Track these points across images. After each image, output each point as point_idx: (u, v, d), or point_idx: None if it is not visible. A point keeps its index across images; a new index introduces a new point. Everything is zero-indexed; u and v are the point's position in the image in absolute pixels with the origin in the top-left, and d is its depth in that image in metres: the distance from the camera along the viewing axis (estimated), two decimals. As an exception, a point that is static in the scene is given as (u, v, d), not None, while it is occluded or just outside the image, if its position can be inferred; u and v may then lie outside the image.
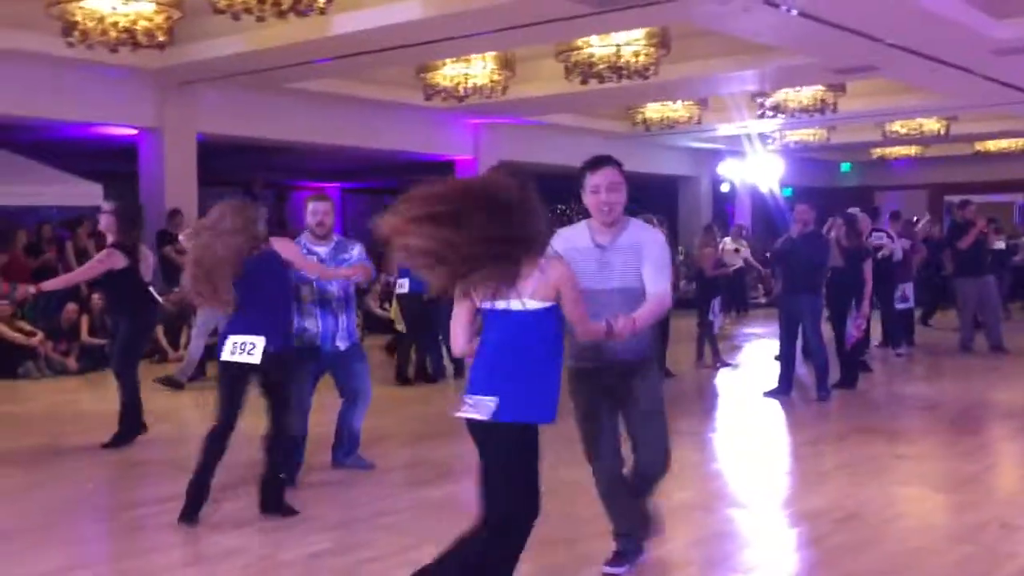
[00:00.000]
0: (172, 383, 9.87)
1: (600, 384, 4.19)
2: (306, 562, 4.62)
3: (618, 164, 4.17)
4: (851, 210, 11.16)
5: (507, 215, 3.26)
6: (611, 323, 3.66)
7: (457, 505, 5.75)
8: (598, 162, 4.14)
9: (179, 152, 13.18)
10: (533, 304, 3.37)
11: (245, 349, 5.18)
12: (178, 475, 6.40)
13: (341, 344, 6.08)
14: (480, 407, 3.35)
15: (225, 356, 5.24)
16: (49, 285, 7.41)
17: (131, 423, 7.28)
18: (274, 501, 5.36)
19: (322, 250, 6.08)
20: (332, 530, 5.16)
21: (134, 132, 13.30)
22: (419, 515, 5.45)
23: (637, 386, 4.19)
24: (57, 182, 12.98)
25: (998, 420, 8.32)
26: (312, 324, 5.97)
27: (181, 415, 8.92)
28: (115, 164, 14.49)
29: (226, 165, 16.22)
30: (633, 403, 4.20)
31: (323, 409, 6.37)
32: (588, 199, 4.11)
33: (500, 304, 3.40)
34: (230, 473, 6.31)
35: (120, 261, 7.16)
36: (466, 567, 3.42)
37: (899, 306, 12.10)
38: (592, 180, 4.09)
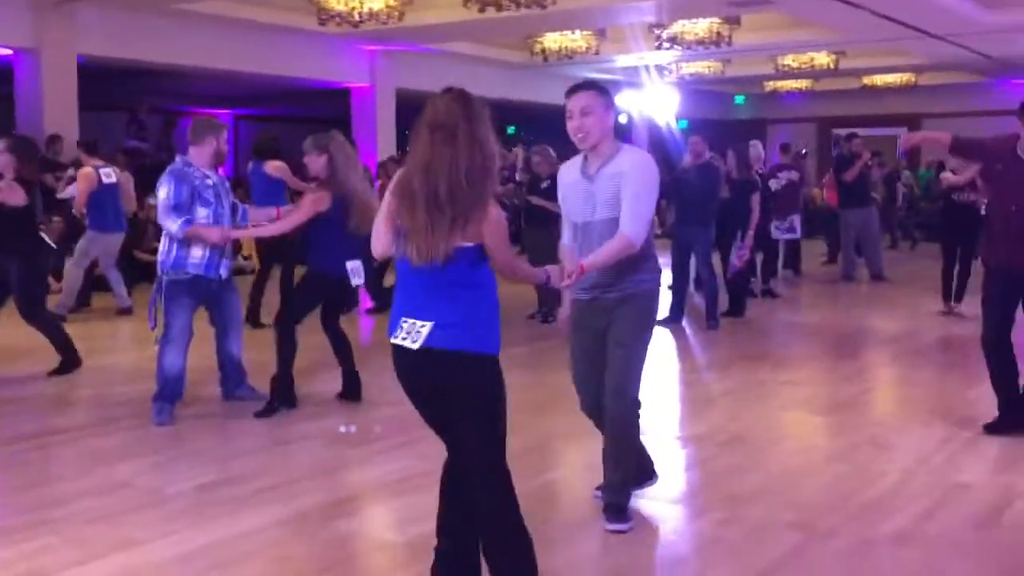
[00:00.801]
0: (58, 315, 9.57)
1: (589, 323, 4.11)
2: (193, 494, 4.57)
3: (599, 88, 4.03)
4: (752, 142, 11.41)
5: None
6: (548, 272, 3.54)
7: (348, 437, 5.76)
8: (573, 88, 4.02)
9: (58, 74, 12.56)
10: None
11: None
12: (58, 408, 6.27)
13: (224, 272, 5.97)
14: (413, 333, 3.13)
15: None
16: None
17: (67, 356, 7.10)
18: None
19: (215, 178, 5.93)
20: (219, 462, 5.11)
21: (8, 53, 12.63)
22: (308, 446, 5.43)
23: (613, 321, 4.05)
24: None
25: (876, 346, 8.67)
26: (199, 252, 5.81)
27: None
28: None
29: (110, 89, 15.58)
30: (609, 338, 4.08)
31: (205, 340, 6.26)
32: (567, 126, 3.99)
33: None
34: (121, 405, 6.20)
35: (21, 198, 6.84)
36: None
37: (786, 236, 12.42)
38: (568, 105, 3.99)
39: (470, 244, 3.08)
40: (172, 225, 5.68)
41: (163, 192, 5.73)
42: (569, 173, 4.12)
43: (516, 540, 3.23)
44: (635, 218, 3.90)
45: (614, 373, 4.06)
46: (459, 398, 3.15)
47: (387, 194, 3.22)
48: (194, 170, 5.82)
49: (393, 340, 3.20)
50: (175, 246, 5.77)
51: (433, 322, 3.11)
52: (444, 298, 3.11)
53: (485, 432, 3.17)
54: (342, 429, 5.76)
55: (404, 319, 3.18)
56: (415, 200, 3.07)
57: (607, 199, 3.95)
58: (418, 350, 3.11)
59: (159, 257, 5.86)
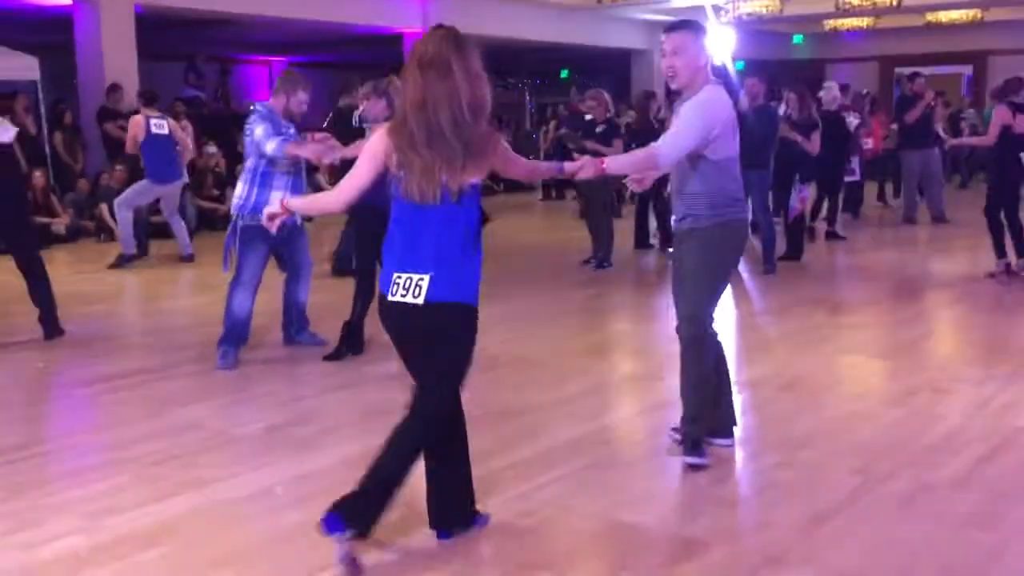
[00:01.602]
0: (120, 261, 9.82)
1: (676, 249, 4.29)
2: (261, 435, 4.71)
3: (693, 28, 4.03)
4: (826, 83, 11.32)
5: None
6: (563, 166, 3.81)
7: (407, 378, 5.85)
8: (669, 26, 4.04)
9: (116, 24, 12.71)
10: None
11: None
12: (126, 352, 6.46)
13: (297, 218, 6.07)
14: (412, 288, 3.17)
15: None
16: None
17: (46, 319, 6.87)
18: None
19: (291, 127, 6.02)
20: (285, 404, 5.24)
21: (68, 3, 12.79)
22: (368, 389, 5.54)
23: (682, 251, 4.22)
24: (-10, 55, 12.52)
25: (936, 289, 8.55)
26: (278, 195, 5.88)
27: (126, 294, 8.89)
28: (50, 35, 13.96)
29: (167, 38, 15.71)
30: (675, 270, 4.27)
31: (266, 288, 6.38)
32: (662, 63, 4.06)
33: None
34: (188, 348, 6.37)
35: None
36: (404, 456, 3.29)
37: (847, 179, 12.24)
38: (662, 44, 4.03)
39: (477, 179, 3.18)
40: (271, 144, 5.73)
41: (259, 129, 5.79)
42: (724, 111, 4.07)
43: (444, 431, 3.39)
44: (671, 138, 4.00)
45: (682, 300, 4.19)
46: (448, 343, 3.27)
47: (374, 138, 3.27)
48: (275, 116, 5.91)
49: (391, 298, 3.22)
50: (253, 191, 5.87)
51: (431, 273, 3.15)
52: (446, 240, 3.17)
53: (456, 369, 3.33)
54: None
55: (398, 274, 3.22)
56: (414, 139, 3.11)
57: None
58: (421, 305, 3.16)
59: (235, 201, 5.97)
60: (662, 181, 5.11)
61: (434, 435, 3.38)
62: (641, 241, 10.83)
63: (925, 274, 9.33)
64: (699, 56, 3.99)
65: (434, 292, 3.15)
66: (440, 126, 3.07)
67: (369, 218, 6.08)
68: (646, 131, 10.76)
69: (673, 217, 4.27)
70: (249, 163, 5.97)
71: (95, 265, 9.94)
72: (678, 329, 4.24)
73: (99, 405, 5.37)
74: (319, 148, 5.88)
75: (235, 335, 5.98)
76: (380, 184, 3.99)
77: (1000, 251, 8.53)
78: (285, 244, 6.16)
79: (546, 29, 18.54)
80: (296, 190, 5.95)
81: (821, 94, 11.59)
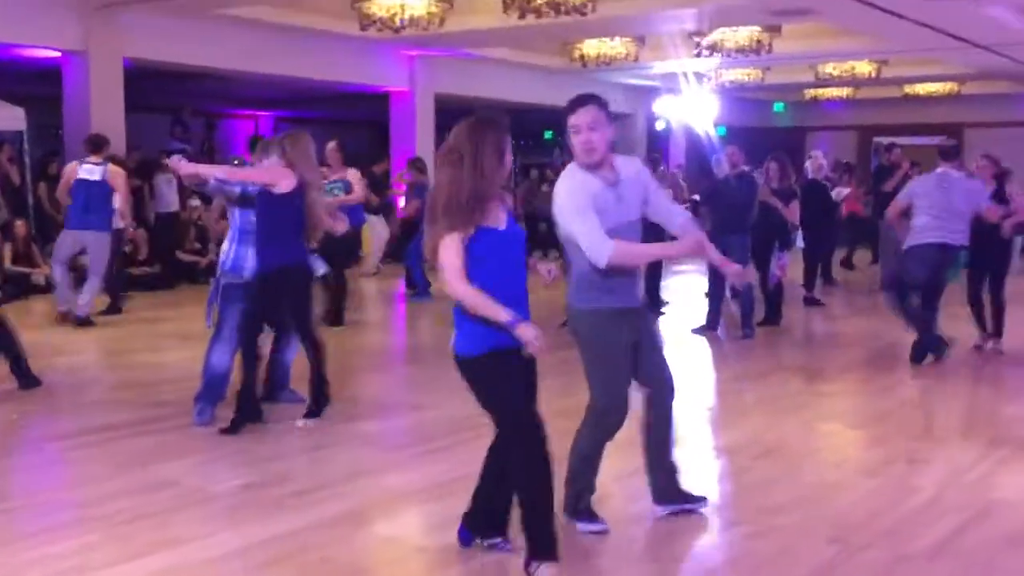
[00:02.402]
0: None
1: (625, 327, 4.18)
2: (237, 494, 4.66)
3: (601, 102, 4.04)
4: (813, 152, 11.64)
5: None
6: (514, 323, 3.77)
7: (388, 439, 5.84)
8: (578, 101, 4.02)
9: (105, 76, 12.78)
10: None
11: None
12: (101, 407, 6.40)
13: None
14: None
15: None
16: None
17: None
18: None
19: None
20: (263, 463, 5.20)
21: (57, 55, 12.88)
22: (349, 448, 5.51)
23: (650, 326, 4.41)
24: (-23, 105, 12.57)
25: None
26: (252, 254, 5.92)
27: (104, 347, 8.84)
28: (38, 87, 14.04)
29: (155, 91, 15.82)
30: (650, 342, 4.33)
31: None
32: (571, 140, 4.02)
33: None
34: (163, 405, 6.32)
35: None
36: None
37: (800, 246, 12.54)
38: (573, 120, 3.99)
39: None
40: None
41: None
42: (592, 186, 4.03)
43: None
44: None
45: (665, 369, 4.34)
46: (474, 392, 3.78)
47: None
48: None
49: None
50: (234, 248, 5.89)
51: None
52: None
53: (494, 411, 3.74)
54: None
55: None
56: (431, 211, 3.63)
57: (637, 200, 4.19)
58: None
59: (221, 257, 6.01)
60: None
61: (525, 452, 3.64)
62: None
63: (902, 342, 9.37)
64: (610, 130, 4.04)
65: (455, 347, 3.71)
66: (435, 208, 3.57)
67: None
68: None
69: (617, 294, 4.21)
70: (234, 221, 5.99)
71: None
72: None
73: (71, 461, 5.32)
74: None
75: (212, 391, 5.95)
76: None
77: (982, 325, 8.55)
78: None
79: (530, 91, 18.76)
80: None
81: (807, 163, 11.86)
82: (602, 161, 4.05)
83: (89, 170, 9.57)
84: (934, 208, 7.73)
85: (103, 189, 9.56)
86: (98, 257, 9.60)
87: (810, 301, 11.43)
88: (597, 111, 3.99)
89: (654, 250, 4.64)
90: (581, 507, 4.26)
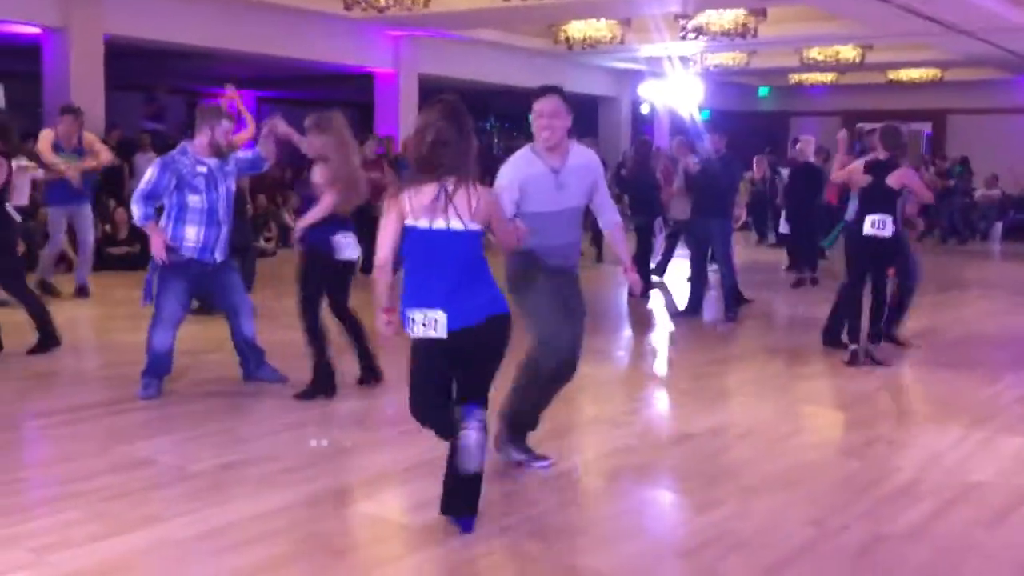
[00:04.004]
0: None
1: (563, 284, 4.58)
2: (216, 472, 4.66)
3: (563, 94, 4.49)
4: (803, 137, 11.80)
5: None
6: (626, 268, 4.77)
7: (371, 418, 5.84)
8: (542, 91, 4.49)
9: (85, 53, 12.68)
10: (473, 225, 3.80)
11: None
12: (78, 386, 6.38)
13: (219, 256, 6.05)
14: (430, 323, 3.78)
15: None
16: None
17: (46, 333, 7.13)
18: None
19: (212, 162, 6.00)
20: (240, 442, 5.20)
21: (37, 31, 12.75)
22: (333, 427, 5.51)
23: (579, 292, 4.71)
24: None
25: (892, 343, 8.66)
26: (192, 234, 5.91)
27: (84, 325, 8.79)
28: (17, 64, 13.90)
29: (136, 68, 15.69)
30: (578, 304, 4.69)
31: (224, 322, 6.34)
32: (533, 124, 4.45)
33: (438, 223, 3.75)
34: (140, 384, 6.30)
35: (4, 173, 6.89)
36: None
37: (782, 230, 12.68)
38: (537, 106, 4.43)
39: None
40: (136, 212, 5.87)
41: (145, 176, 5.88)
42: (530, 167, 4.45)
43: None
44: (615, 208, 4.79)
45: (581, 331, 4.64)
46: None
47: None
48: (188, 157, 5.92)
49: None
50: (169, 228, 5.89)
51: None
52: None
53: None
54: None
55: None
56: None
57: (579, 189, 4.54)
58: None
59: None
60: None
61: None
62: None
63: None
64: (568, 119, 4.47)
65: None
66: None
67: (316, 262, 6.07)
68: (642, 183, 10.87)
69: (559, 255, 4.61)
70: (175, 200, 5.94)
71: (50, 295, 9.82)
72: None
73: (51, 439, 5.30)
74: (159, 250, 5.85)
75: (156, 368, 5.99)
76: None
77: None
78: (213, 283, 6.15)
79: (514, 73, 18.73)
80: (210, 226, 5.93)
81: (798, 146, 11.97)
82: (556, 147, 4.46)
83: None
84: None
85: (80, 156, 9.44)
86: (86, 227, 9.75)
87: (802, 282, 11.56)
88: (557, 100, 4.44)
89: None
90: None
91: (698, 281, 9.50)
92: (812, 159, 11.88)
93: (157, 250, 5.85)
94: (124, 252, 12.00)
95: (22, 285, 7.23)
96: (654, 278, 11.20)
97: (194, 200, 5.87)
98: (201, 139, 5.97)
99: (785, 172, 12.87)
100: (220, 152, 6.01)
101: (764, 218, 16.66)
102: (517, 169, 4.45)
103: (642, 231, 10.75)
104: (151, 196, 5.82)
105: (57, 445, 5.19)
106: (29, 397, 6.10)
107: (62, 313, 8.94)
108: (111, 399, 5.98)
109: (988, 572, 3.79)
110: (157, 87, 16.77)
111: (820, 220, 11.57)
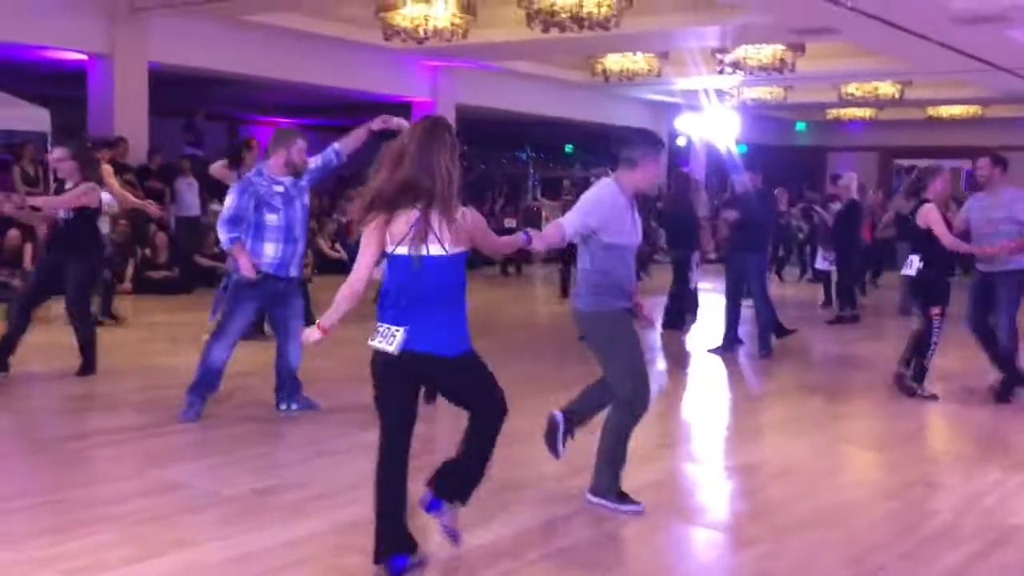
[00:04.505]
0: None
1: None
2: (249, 498, 4.68)
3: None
4: (847, 174, 12.04)
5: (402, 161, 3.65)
6: (529, 235, 4.41)
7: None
8: (661, 143, 4.85)
9: (130, 80, 12.91)
10: (454, 250, 3.68)
11: None
12: (120, 408, 6.44)
13: (294, 272, 6.14)
14: (388, 337, 3.67)
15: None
16: (37, 202, 7.47)
17: (90, 358, 7.28)
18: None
19: (288, 180, 6.10)
20: (275, 468, 5.22)
21: (83, 58, 13.00)
22: (363, 456, 5.49)
23: None
24: (2, 105, 12.67)
25: (930, 381, 8.55)
26: (271, 250, 6.02)
27: (122, 349, 8.88)
28: (63, 89, 14.17)
29: (179, 95, 15.93)
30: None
31: (265, 348, 6.38)
32: (640, 170, 4.59)
33: (418, 250, 3.63)
34: (180, 407, 6.35)
35: (96, 200, 7.14)
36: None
37: (823, 267, 12.73)
38: (656, 156, 4.67)
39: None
40: (222, 236, 5.98)
41: (227, 201, 6.01)
42: (615, 200, 4.58)
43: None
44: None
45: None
46: None
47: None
48: (263, 178, 6.01)
49: None
50: (248, 245, 5.97)
51: None
52: None
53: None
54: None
55: None
56: None
57: (637, 227, 4.72)
58: None
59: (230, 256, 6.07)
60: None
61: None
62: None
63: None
64: None
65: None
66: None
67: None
68: (680, 216, 10.88)
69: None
70: (254, 218, 6.03)
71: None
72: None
73: (88, 460, 5.34)
74: (248, 269, 5.93)
75: (205, 384, 6.05)
76: None
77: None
78: (280, 300, 6.20)
79: (552, 104, 18.82)
80: (288, 243, 6.05)
81: (840, 182, 12.11)
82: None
83: None
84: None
85: None
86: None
87: (843, 319, 11.63)
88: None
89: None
90: (617, 490, 4.67)
91: (732, 316, 9.44)
92: (855, 196, 11.93)
93: (246, 269, 5.94)
94: (163, 276, 12.14)
95: (87, 308, 7.43)
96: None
97: (271, 219, 5.99)
98: (277, 160, 6.07)
99: (825, 208, 12.80)
100: (296, 171, 6.10)
101: (789, 254, 16.71)
102: (611, 196, 4.56)
103: (679, 264, 10.74)
104: (235, 220, 5.94)
105: (92, 468, 5.23)
106: (65, 420, 6.16)
107: (101, 335, 9.05)
108: (147, 423, 6.03)
109: (1030, 620, 3.71)
110: (196, 113, 17.01)
111: (863, 257, 11.63)
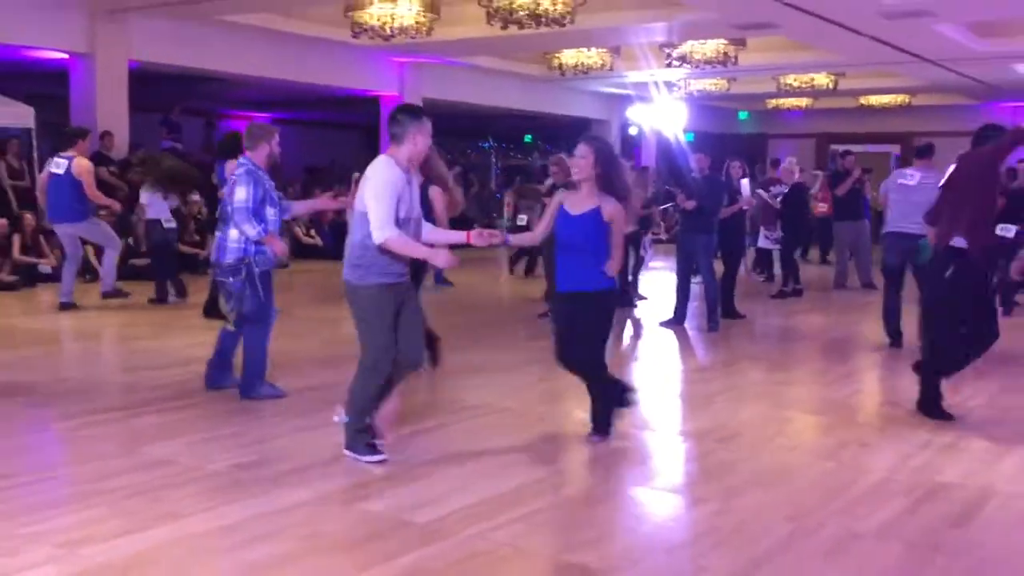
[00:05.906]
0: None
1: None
2: (232, 472, 4.65)
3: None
4: (789, 158, 12.31)
5: None
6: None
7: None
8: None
9: (110, 78, 12.69)
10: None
11: None
12: (100, 391, 6.37)
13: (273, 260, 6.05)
14: None
15: None
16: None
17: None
18: None
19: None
20: (255, 444, 5.18)
21: (65, 57, 12.75)
22: (332, 431, 5.48)
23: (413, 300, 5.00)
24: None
25: (864, 351, 8.68)
26: (277, 246, 5.92)
27: (106, 333, 8.77)
28: (45, 86, 13.90)
29: (158, 92, 15.69)
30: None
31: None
32: (417, 144, 4.75)
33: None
34: (162, 387, 6.29)
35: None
36: None
37: (774, 245, 12.91)
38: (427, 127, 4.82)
39: None
40: (251, 231, 5.70)
41: (242, 193, 5.69)
42: (402, 177, 4.64)
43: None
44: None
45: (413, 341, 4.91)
46: None
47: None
48: (262, 172, 5.85)
49: None
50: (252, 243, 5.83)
51: None
52: None
53: None
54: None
55: None
56: None
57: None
58: None
59: (232, 246, 5.80)
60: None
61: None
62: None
63: (855, 336, 9.47)
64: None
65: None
66: None
67: None
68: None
69: None
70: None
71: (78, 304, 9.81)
72: None
73: (75, 440, 5.28)
74: (283, 248, 5.93)
75: (263, 369, 6.02)
76: None
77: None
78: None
79: (513, 97, 18.79)
80: (282, 236, 6.06)
81: (784, 166, 12.53)
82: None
83: (57, 163, 9.41)
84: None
85: (68, 180, 9.33)
86: (73, 247, 9.59)
87: (786, 294, 11.80)
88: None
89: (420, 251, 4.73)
90: (364, 443, 4.80)
91: (683, 292, 9.51)
92: (798, 178, 12.31)
93: (282, 252, 5.93)
94: (146, 264, 11.96)
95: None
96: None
97: (271, 212, 5.85)
98: (260, 154, 5.84)
99: (765, 190, 12.85)
100: (275, 165, 6.00)
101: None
102: (392, 182, 4.60)
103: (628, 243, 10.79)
104: (255, 212, 5.73)
105: (81, 446, 5.17)
106: (55, 400, 6.07)
107: (86, 320, 8.95)
108: (133, 403, 5.96)
109: (955, 569, 3.79)
110: (171, 109, 16.76)
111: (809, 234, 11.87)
